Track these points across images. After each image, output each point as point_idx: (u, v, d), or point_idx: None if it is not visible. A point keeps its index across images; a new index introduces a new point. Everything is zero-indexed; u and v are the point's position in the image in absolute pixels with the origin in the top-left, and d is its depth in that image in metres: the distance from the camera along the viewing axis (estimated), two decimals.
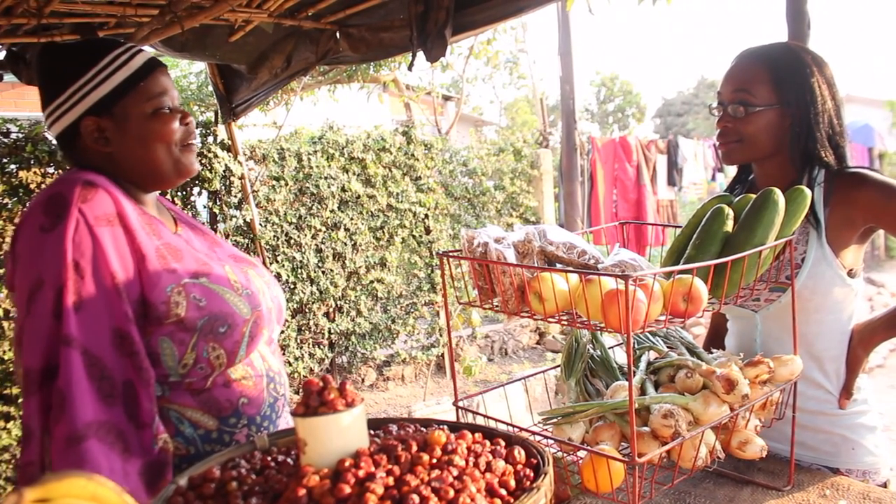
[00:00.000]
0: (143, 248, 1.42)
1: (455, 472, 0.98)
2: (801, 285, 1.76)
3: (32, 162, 4.23)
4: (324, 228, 5.97)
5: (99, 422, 1.32)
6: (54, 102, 1.51)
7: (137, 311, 1.41)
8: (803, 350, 1.80)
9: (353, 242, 6.18)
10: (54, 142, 4.27)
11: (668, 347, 1.78)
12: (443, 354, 7.12)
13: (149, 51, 1.64)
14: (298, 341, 5.86)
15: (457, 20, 2.56)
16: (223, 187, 5.12)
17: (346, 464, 0.98)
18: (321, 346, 6.05)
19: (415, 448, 1.04)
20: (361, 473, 0.96)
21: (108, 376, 1.35)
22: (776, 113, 1.79)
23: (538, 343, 8.34)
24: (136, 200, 1.55)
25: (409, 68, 2.76)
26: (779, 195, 1.55)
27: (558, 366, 1.81)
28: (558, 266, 1.47)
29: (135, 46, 1.58)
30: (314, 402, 1.02)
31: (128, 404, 1.37)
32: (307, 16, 2.83)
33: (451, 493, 0.94)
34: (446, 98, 14.77)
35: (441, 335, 7.02)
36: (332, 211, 6.02)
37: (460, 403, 1.59)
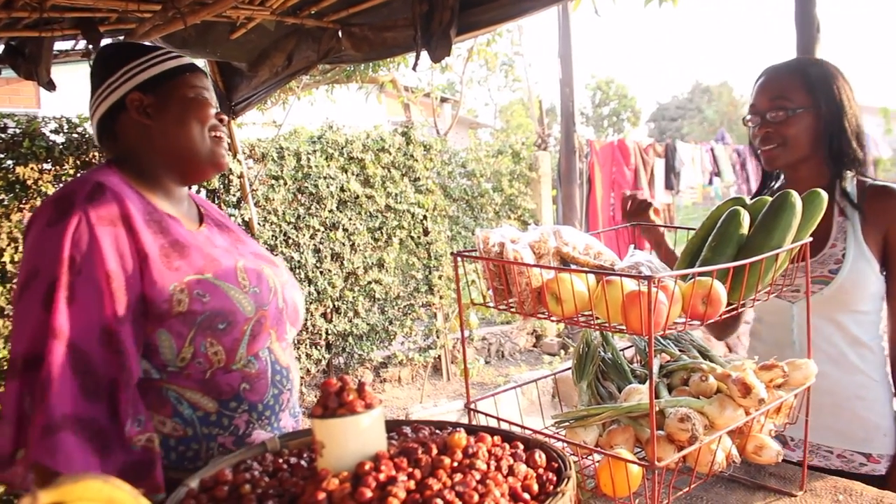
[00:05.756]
0: (146, 248, 1.44)
1: (478, 476, 0.96)
2: (843, 279, 1.90)
3: (29, 157, 4.20)
4: (322, 228, 5.94)
5: (77, 416, 1.33)
6: (107, 81, 1.61)
7: (137, 310, 1.42)
8: (841, 336, 1.95)
9: (351, 243, 6.15)
10: (52, 138, 4.27)
11: (679, 350, 1.77)
12: (439, 356, 7.09)
13: None
14: (296, 342, 5.83)
15: (462, 20, 2.54)
16: (222, 186, 5.08)
17: (367, 467, 0.95)
18: (318, 347, 6.02)
19: (435, 451, 1.01)
20: (382, 477, 0.94)
21: (92, 371, 1.36)
22: (811, 115, 1.94)
23: (535, 346, 8.32)
24: (155, 195, 1.59)
25: (414, 68, 2.74)
26: (796, 198, 1.54)
27: (568, 368, 1.78)
28: (574, 267, 1.44)
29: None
30: (333, 403, 1.00)
31: (111, 402, 1.38)
32: (310, 14, 2.81)
33: (476, 497, 0.92)
34: (443, 100, 14.75)
35: (438, 337, 7.00)
36: (330, 211, 5.99)
37: (472, 405, 1.56)
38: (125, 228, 1.44)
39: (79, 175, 1.74)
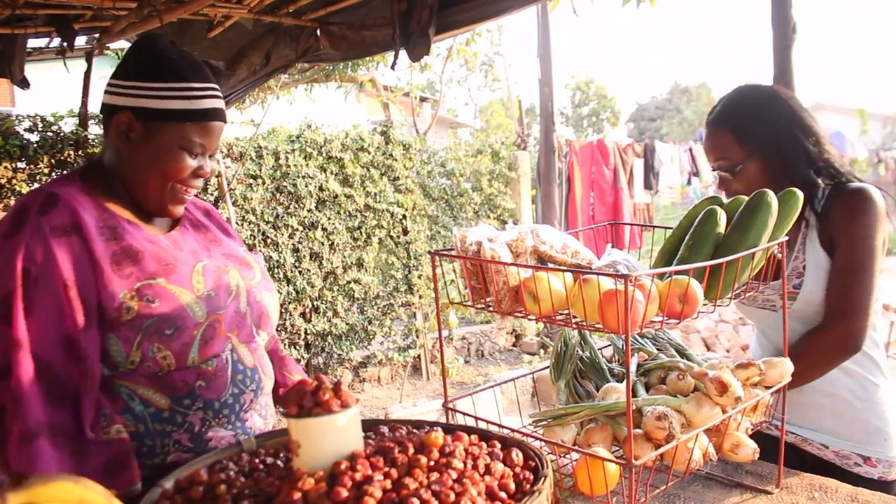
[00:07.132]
0: (97, 256, 1.45)
1: (454, 475, 0.96)
2: (806, 292, 1.89)
3: (3, 156, 4.15)
4: (301, 228, 5.91)
5: (49, 423, 1.35)
6: (120, 80, 1.55)
7: (95, 316, 1.44)
8: None
9: (330, 242, 6.13)
10: (26, 137, 4.22)
11: (657, 349, 1.77)
12: (419, 356, 7.09)
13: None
14: None
15: (440, 19, 2.54)
16: None
17: (343, 466, 0.95)
18: (297, 347, 5.99)
19: (411, 450, 1.01)
20: (358, 476, 0.93)
21: (56, 380, 1.38)
22: (756, 160, 1.94)
23: (514, 345, 8.33)
24: (117, 203, 1.57)
25: (392, 67, 2.73)
26: (772, 197, 1.55)
27: (547, 367, 1.78)
28: (551, 266, 1.44)
29: (217, 89, 1.60)
30: (308, 402, 0.99)
31: (76, 407, 1.40)
32: (288, 12, 2.80)
33: (452, 496, 0.91)
34: (423, 99, 14.75)
35: (418, 336, 6.99)
36: (309, 210, 5.96)
37: (450, 404, 1.56)
38: (78, 237, 1.44)
39: (35, 187, 1.71)
